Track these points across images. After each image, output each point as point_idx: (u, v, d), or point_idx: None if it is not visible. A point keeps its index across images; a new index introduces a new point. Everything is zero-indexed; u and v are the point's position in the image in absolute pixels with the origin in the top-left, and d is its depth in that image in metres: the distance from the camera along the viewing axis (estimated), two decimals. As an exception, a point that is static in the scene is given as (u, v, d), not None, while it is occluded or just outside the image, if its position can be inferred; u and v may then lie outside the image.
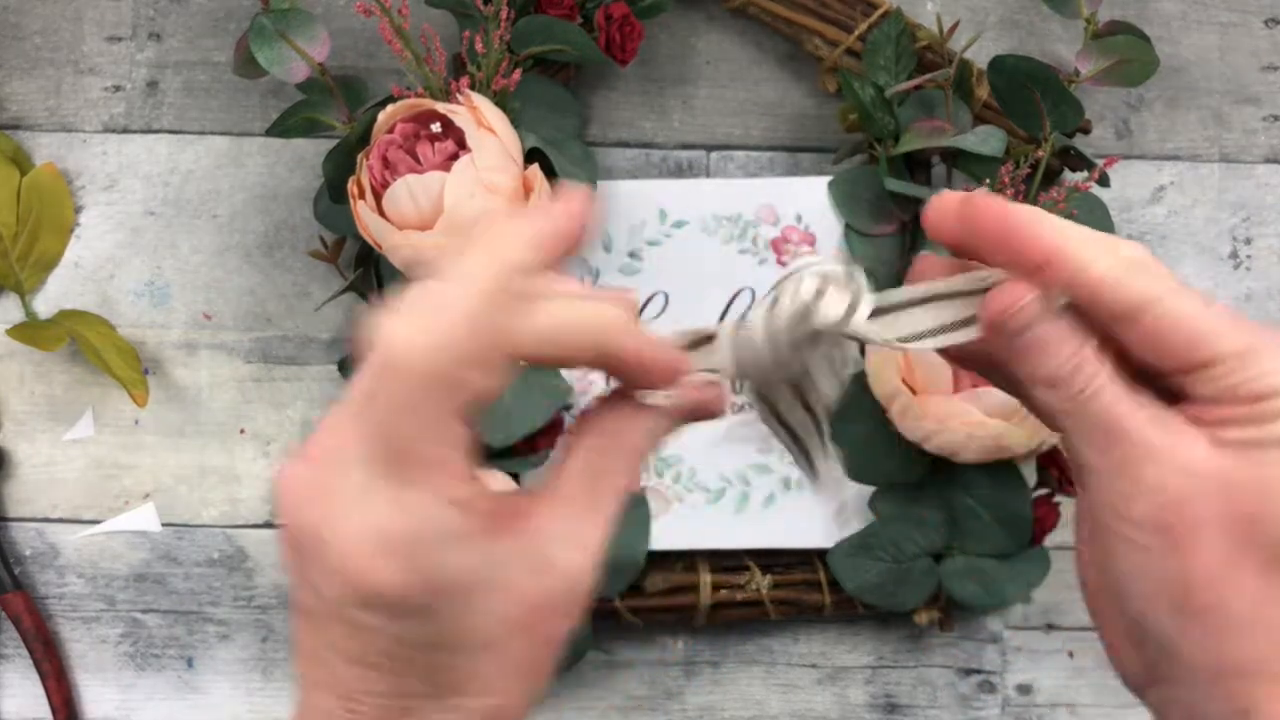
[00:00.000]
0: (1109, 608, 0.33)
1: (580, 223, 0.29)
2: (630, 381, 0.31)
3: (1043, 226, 0.30)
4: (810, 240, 0.69)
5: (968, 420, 0.62)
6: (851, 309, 0.31)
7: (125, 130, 0.73)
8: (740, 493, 0.68)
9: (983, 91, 0.68)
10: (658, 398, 0.31)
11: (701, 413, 0.32)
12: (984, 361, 0.33)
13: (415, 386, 0.26)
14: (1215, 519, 0.28)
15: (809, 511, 0.69)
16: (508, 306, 0.27)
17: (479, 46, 0.63)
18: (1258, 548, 0.28)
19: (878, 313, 0.32)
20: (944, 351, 0.33)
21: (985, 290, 0.31)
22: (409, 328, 0.26)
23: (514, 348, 0.27)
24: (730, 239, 0.69)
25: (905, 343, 0.32)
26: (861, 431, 0.67)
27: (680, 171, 0.73)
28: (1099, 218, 0.67)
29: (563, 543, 0.29)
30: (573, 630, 0.30)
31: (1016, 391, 0.33)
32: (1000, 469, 0.66)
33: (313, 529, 0.27)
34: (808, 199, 0.69)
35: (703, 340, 0.32)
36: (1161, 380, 0.30)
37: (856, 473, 0.68)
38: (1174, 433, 0.29)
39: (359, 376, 0.27)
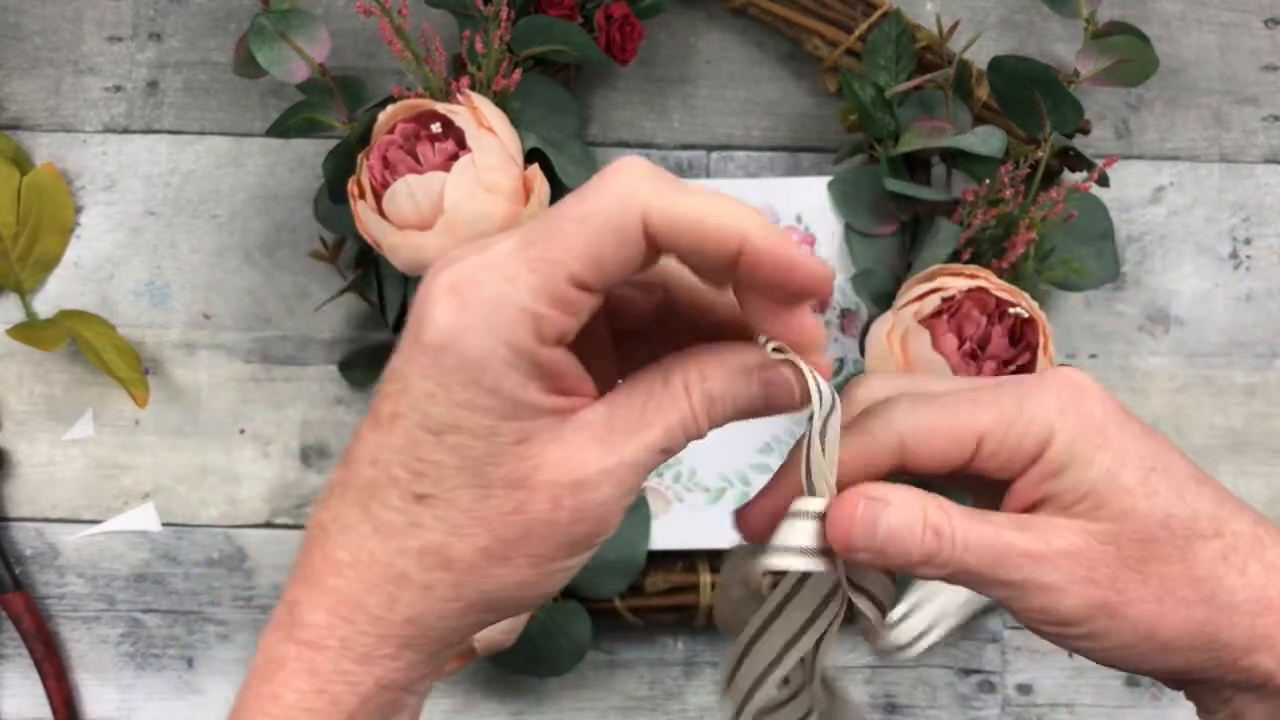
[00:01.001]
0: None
1: None
2: (767, 287, 0.29)
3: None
4: (810, 240, 0.69)
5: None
6: None
7: (125, 130, 0.73)
8: (740, 493, 0.68)
9: (982, 92, 0.68)
10: (768, 350, 0.30)
11: (786, 398, 0.30)
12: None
13: (579, 238, 0.27)
14: (1126, 572, 0.31)
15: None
16: (658, 184, 0.27)
17: (479, 47, 0.63)
18: (1168, 561, 0.31)
19: None
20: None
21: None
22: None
23: (660, 216, 0.27)
24: (730, 239, 0.69)
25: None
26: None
27: (680, 172, 0.73)
28: (1099, 218, 0.67)
29: (586, 442, 0.29)
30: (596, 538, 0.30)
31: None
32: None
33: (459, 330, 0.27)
34: (808, 199, 0.69)
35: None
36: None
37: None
38: (1036, 538, 0.31)
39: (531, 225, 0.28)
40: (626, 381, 0.30)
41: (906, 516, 0.31)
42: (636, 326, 0.32)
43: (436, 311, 0.27)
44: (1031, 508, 0.32)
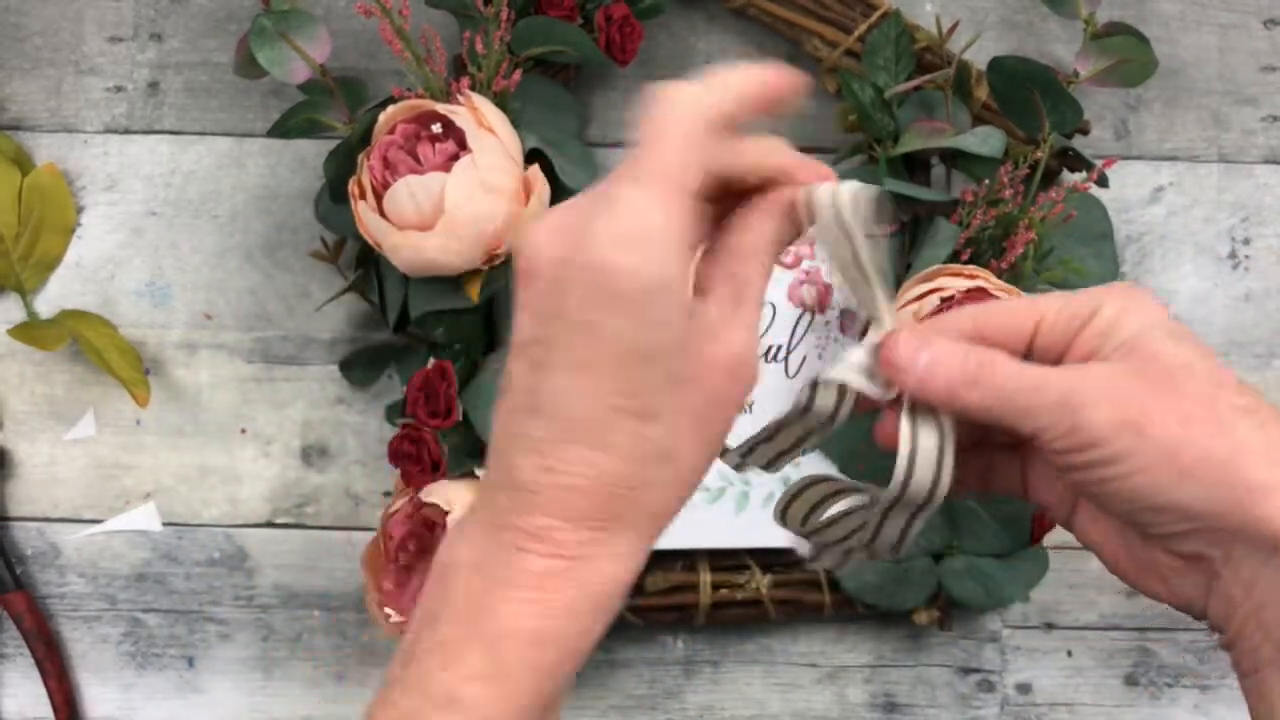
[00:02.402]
0: (1152, 546, 0.37)
1: (773, 91, 0.36)
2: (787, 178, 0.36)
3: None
4: (810, 241, 0.69)
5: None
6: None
7: (126, 131, 0.73)
8: (740, 492, 0.69)
9: (982, 92, 0.68)
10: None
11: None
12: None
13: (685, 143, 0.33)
14: (1153, 398, 0.34)
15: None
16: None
17: (479, 47, 0.63)
18: (1195, 398, 0.34)
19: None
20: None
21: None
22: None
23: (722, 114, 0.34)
24: (730, 239, 0.69)
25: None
26: (860, 431, 0.67)
27: (680, 172, 0.73)
28: (1098, 218, 0.67)
29: (723, 324, 0.34)
30: (740, 410, 0.35)
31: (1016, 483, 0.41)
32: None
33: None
34: (807, 199, 0.69)
35: None
36: None
37: (856, 472, 0.68)
38: (1073, 371, 0.35)
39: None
40: (707, 264, 0.35)
41: (951, 347, 0.36)
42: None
43: (620, 259, 0.31)
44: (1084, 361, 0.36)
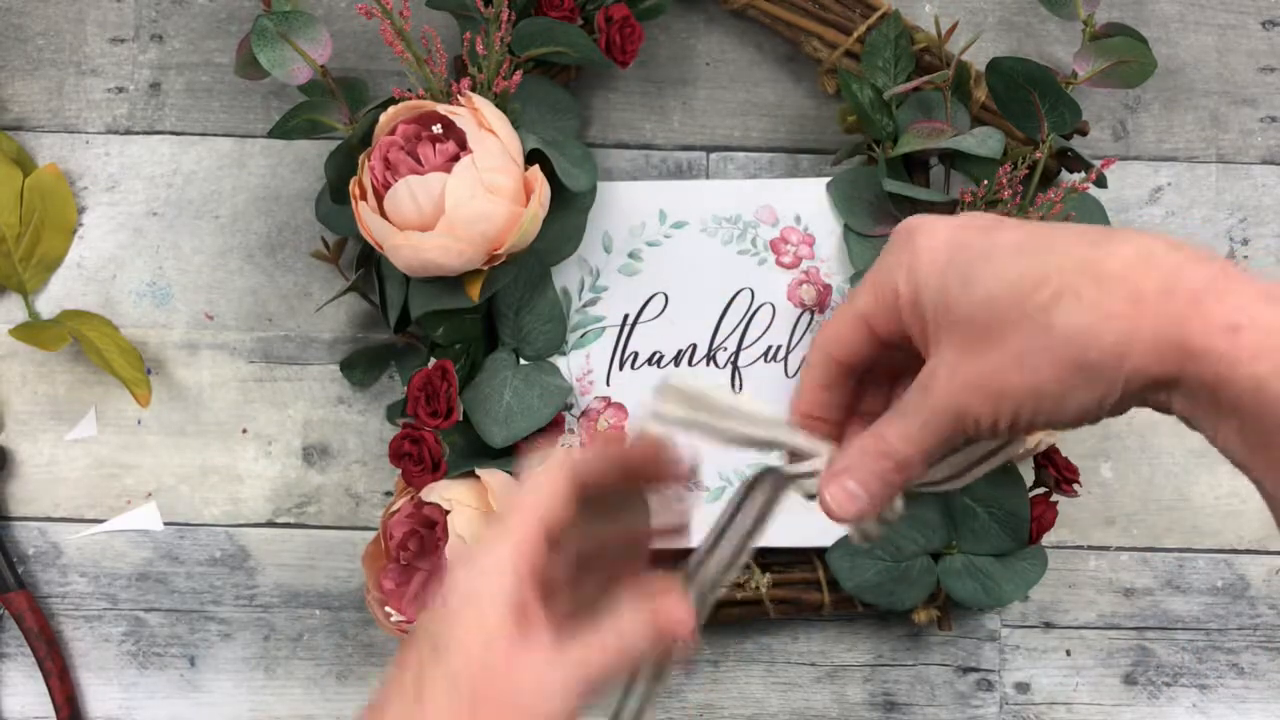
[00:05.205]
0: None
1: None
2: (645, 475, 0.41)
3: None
4: (809, 241, 0.69)
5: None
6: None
7: (128, 131, 0.73)
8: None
9: (981, 93, 0.68)
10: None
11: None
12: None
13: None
14: (986, 364, 0.34)
15: (808, 510, 0.69)
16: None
17: (480, 48, 0.63)
18: (1015, 332, 0.33)
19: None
20: None
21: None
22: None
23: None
24: (730, 240, 0.69)
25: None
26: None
27: (680, 173, 0.73)
28: (1096, 219, 0.68)
29: (530, 656, 0.37)
30: None
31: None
32: (998, 468, 0.66)
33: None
34: (807, 200, 0.69)
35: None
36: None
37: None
38: (929, 387, 0.36)
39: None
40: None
41: (866, 476, 0.37)
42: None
43: (456, 574, 0.38)
44: (927, 348, 0.36)
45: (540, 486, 0.38)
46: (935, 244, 0.35)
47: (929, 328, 0.35)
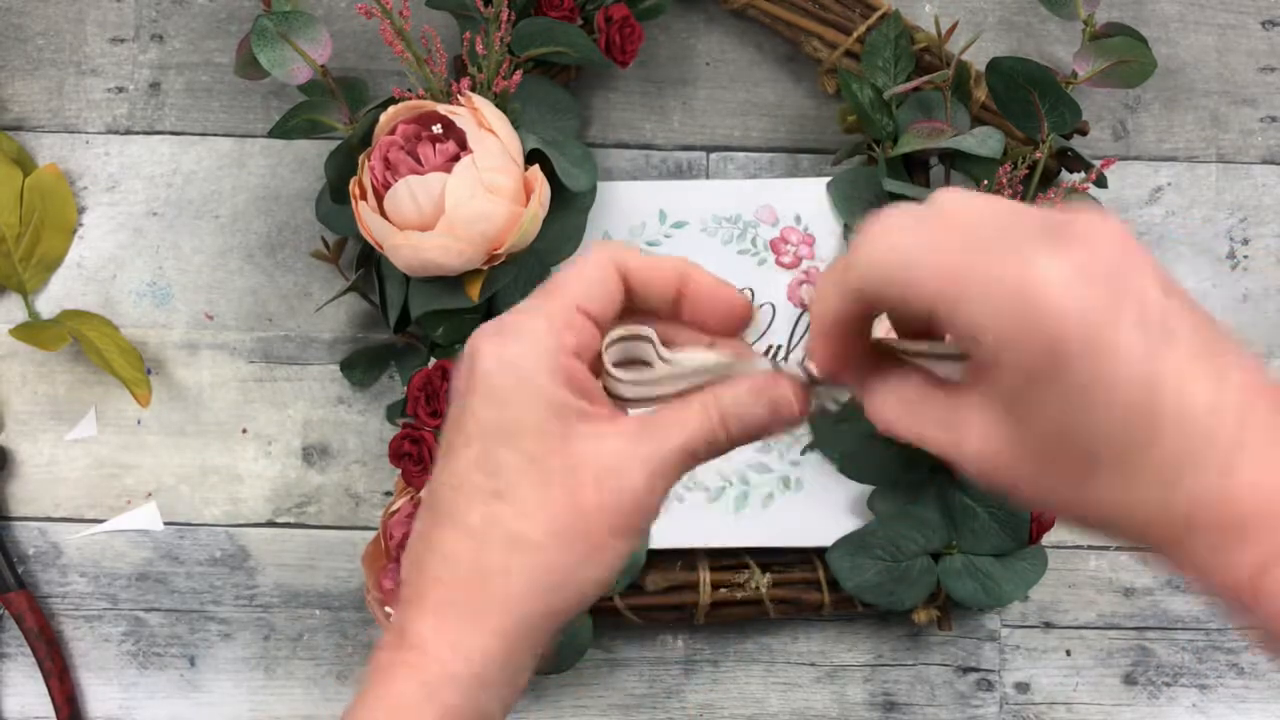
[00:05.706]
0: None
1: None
2: (702, 313, 0.36)
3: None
4: (809, 241, 0.69)
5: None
6: None
7: (128, 131, 0.73)
8: (740, 491, 0.69)
9: (981, 93, 0.68)
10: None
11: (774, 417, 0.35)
12: None
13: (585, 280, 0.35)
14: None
15: (808, 510, 0.69)
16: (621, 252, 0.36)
17: (480, 48, 0.63)
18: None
19: None
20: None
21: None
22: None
23: (624, 259, 0.36)
24: (730, 240, 0.70)
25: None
26: (859, 431, 0.67)
27: (680, 173, 0.73)
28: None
29: (610, 436, 0.34)
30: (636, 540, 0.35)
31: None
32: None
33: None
34: (807, 200, 0.69)
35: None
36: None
37: (855, 472, 0.68)
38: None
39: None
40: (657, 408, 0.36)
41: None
42: None
43: (486, 349, 0.34)
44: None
45: (578, 266, 0.35)
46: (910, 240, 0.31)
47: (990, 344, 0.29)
